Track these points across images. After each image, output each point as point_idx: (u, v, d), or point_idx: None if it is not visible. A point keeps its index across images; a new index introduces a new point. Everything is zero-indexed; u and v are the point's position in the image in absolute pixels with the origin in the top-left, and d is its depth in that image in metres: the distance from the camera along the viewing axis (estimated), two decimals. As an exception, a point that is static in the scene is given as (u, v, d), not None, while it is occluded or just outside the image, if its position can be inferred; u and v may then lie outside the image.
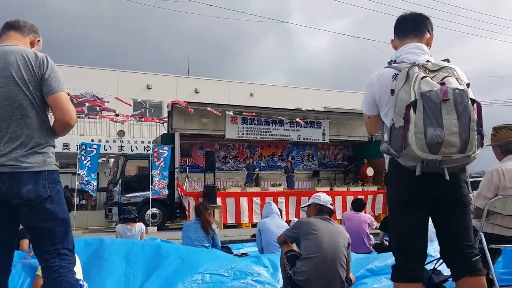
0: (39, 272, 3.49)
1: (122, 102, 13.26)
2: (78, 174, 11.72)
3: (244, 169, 16.01)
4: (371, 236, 7.06)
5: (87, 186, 11.73)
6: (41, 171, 2.25)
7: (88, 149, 11.85)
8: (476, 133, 2.04)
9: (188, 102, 14.24)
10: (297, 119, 15.31)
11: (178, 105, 13.36)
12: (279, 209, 7.02)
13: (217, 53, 58.69)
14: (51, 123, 2.38)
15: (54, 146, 2.39)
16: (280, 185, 14.98)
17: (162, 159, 12.53)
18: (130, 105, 13.96)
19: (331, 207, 3.91)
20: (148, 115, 16.62)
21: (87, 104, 12.84)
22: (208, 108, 13.85)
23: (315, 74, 60.98)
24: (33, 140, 2.25)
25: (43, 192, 2.23)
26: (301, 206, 4.40)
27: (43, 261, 2.30)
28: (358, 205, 7.25)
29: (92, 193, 12.76)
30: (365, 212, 8.36)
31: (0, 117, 2.21)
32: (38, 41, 2.57)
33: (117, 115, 13.34)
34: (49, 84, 2.29)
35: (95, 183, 11.91)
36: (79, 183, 11.70)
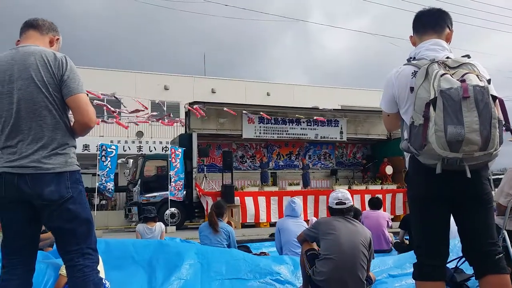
0: (62, 271, 3.55)
1: (140, 104, 13.40)
2: (98, 175, 11.89)
3: (259, 168, 16.09)
4: (391, 234, 7.00)
5: (106, 186, 11.87)
6: (63, 172, 2.26)
7: (108, 149, 12.02)
8: (497, 130, 2.01)
9: (205, 102, 14.31)
10: (315, 117, 15.25)
11: (194, 109, 13.38)
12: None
13: (234, 53, 58.75)
14: (72, 124, 2.39)
15: (75, 147, 2.40)
16: (297, 184, 14.95)
17: (178, 160, 12.65)
18: (147, 108, 14.05)
19: (339, 206, 3.64)
20: (165, 113, 16.69)
21: (105, 108, 13.02)
22: (225, 108, 13.89)
23: (335, 73, 60.56)
24: (55, 141, 2.27)
25: (66, 193, 2.25)
26: None
27: (67, 261, 2.33)
28: (375, 204, 7.20)
29: (108, 194, 12.91)
30: (384, 211, 8.28)
31: (21, 119, 2.24)
32: (58, 39, 2.55)
33: (138, 111, 13.43)
34: (68, 85, 2.29)
35: (111, 184, 12.01)
36: (99, 184, 11.86)
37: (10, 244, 2.33)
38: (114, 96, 12.15)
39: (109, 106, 12.54)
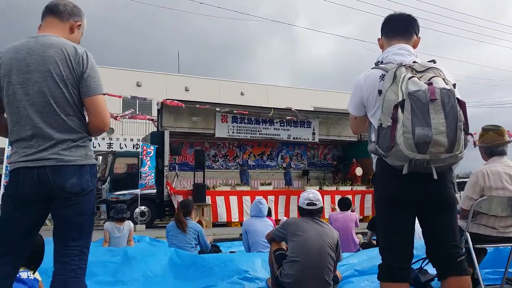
0: None
1: (112, 96, 13.02)
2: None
3: (239, 166, 16.12)
4: (359, 235, 7.08)
5: None
6: (84, 164, 2.19)
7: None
8: (463, 132, 2.06)
9: (178, 100, 14.13)
10: (288, 117, 15.30)
11: (169, 104, 13.14)
12: (268, 207, 7.01)
13: (217, 55, 58.24)
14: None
15: (91, 140, 2.32)
16: (270, 184, 14.97)
17: (149, 158, 12.47)
18: (120, 97, 13.52)
19: (310, 207, 3.65)
20: (137, 111, 16.37)
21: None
22: (197, 105, 13.75)
23: (312, 75, 61.02)
24: (73, 134, 2.19)
25: (87, 186, 2.18)
26: None
27: (62, 256, 2.16)
28: (344, 204, 7.23)
29: None
30: (353, 211, 8.37)
31: (37, 112, 2.13)
32: (79, 25, 2.39)
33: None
34: (87, 85, 2.20)
35: None
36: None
37: (4, 242, 2.15)
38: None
39: None
